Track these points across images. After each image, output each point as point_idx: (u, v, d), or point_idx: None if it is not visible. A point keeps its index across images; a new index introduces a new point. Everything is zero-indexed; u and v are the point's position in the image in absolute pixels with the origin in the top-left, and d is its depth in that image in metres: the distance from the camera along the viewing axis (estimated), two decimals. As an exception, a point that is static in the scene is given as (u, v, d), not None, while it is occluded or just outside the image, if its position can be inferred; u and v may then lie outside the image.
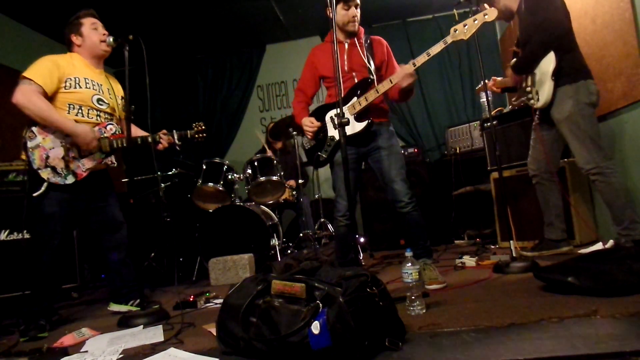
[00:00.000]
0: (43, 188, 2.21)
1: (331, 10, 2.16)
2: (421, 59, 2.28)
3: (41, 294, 2.25)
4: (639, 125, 2.61)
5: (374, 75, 2.47)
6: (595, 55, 2.86)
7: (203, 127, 2.60)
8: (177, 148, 2.53)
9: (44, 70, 2.22)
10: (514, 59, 2.64)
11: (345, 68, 2.43)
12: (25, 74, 2.20)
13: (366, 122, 2.36)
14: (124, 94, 2.26)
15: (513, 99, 2.74)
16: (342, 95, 2.34)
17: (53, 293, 2.36)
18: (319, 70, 2.52)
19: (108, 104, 2.44)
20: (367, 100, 2.35)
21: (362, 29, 2.53)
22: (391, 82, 2.32)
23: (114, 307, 2.53)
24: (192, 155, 4.78)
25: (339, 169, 2.43)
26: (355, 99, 2.38)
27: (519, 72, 2.58)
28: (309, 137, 2.49)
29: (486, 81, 2.64)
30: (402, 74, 2.29)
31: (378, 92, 2.34)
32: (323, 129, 2.48)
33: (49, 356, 1.72)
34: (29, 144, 2.21)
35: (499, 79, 2.80)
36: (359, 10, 2.41)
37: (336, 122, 2.13)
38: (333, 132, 2.44)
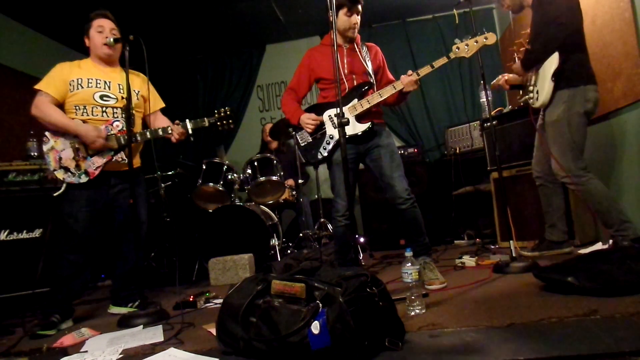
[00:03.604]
0: (63, 188, 2.31)
1: (332, 14, 2.15)
2: (425, 70, 2.31)
3: (60, 290, 2.31)
4: (639, 124, 2.62)
5: (374, 80, 2.48)
6: (595, 55, 2.86)
7: (229, 113, 2.47)
8: (191, 139, 2.45)
9: (50, 78, 2.34)
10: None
11: (346, 71, 2.43)
12: (36, 86, 2.31)
13: (368, 123, 2.37)
14: (126, 94, 2.24)
15: (518, 97, 2.72)
16: (341, 96, 2.34)
17: (74, 289, 2.38)
18: (316, 72, 2.51)
19: (116, 99, 2.42)
20: (369, 103, 2.36)
21: (359, 36, 2.54)
22: (395, 88, 2.34)
23: (114, 310, 2.53)
24: (191, 155, 4.78)
25: (337, 169, 2.43)
26: (355, 100, 2.39)
27: (525, 68, 2.55)
28: (309, 131, 2.48)
29: (500, 77, 2.63)
30: (406, 80, 2.31)
31: (381, 96, 2.35)
32: (320, 127, 2.48)
33: (49, 356, 1.72)
34: (44, 148, 2.33)
35: (511, 75, 2.74)
36: (359, 17, 2.42)
37: (336, 122, 2.13)
38: (332, 131, 2.44)
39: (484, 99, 3.14)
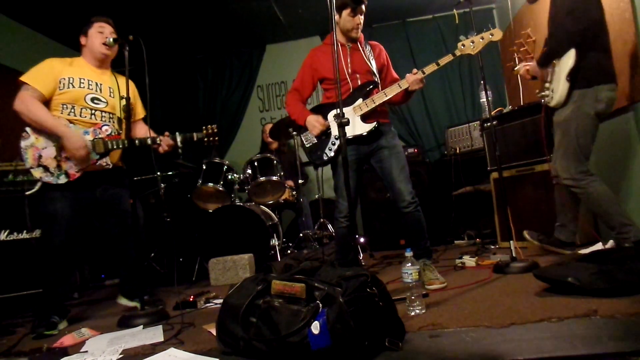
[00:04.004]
0: (36, 187, 2.28)
1: (334, 13, 2.15)
2: (430, 68, 2.29)
3: (51, 292, 2.29)
4: (639, 124, 2.61)
5: (378, 79, 2.47)
6: (595, 55, 2.86)
7: (215, 130, 2.52)
8: (179, 151, 2.46)
9: (39, 72, 2.27)
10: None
11: (349, 70, 2.42)
12: (22, 78, 2.25)
13: (374, 123, 2.36)
14: (126, 94, 2.23)
15: (537, 91, 2.67)
16: (344, 97, 2.34)
17: (63, 290, 2.38)
18: (320, 71, 2.50)
19: (106, 102, 2.41)
20: (374, 103, 2.35)
21: (362, 35, 2.53)
22: (400, 87, 2.33)
23: (122, 301, 2.57)
24: (191, 156, 4.78)
25: (341, 170, 2.42)
26: (360, 100, 2.38)
27: (540, 65, 2.49)
28: (314, 134, 2.47)
29: (522, 64, 2.59)
30: (412, 79, 2.30)
31: (386, 95, 2.34)
32: (326, 128, 2.47)
33: (49, 356, 1.72)
34: (22, 144, 2.25)
35: (532, 63, 2.62)
36: (363, 17, 2.41)
37: (336, 123, 2.12)
38: (337, 132, 2.43)
39: (484, 99, 3.14)
